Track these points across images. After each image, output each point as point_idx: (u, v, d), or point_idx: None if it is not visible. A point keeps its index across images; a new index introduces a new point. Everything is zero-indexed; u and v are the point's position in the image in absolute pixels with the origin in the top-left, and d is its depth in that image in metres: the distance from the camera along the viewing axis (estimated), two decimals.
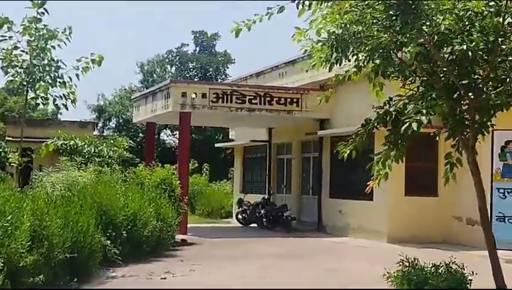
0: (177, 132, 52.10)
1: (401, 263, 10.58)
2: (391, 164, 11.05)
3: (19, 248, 11.36)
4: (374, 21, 9.70)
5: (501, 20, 8.98)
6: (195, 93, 25.02)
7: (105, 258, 15.50)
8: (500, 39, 8.88)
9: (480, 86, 9.36)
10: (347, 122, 25.15)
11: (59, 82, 16.32)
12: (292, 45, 10.51)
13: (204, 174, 42.12)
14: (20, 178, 20.15)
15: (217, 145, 39.54)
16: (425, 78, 9.81)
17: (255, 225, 29.21)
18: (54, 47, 16.40)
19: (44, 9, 16.09)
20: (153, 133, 32.24)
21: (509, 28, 9.02)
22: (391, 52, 10.11)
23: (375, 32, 9.63)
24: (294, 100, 26.32)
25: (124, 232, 16.78)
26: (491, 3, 8.68)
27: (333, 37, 10.14)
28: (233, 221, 32.39)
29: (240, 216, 30.44)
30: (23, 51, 16.32)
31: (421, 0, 8.76)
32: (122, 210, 17.05)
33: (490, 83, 9.45)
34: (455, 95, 9.44)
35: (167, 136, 53.86)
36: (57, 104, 16.32)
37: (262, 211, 28.57)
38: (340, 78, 10.84)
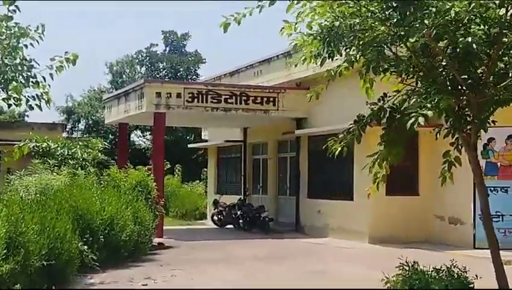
0: (148, 133, 52.04)
1: (400, 267, 10.07)
2: (387, 165, 10.57)
3: None
4: (369, 14, 9.23)
5: (504, 11, 8.54)
6: (170, 93, 24.44)
7: (83, 264, 14.93)
8: (505, 31, 8.45)
9: (483, 81, 8.92)
10: (324, 121, 24.80)
11: (32, 82, 15.64)
12: (283, 39, 9.99)
13: (176, 175, 41.54)
14: None
15: (190, 145, 38.99)
16: (422, 74, 9.33)
17: (231, 226, 28.75)
18: (26, 46, 15.72)
19: (16, 6, 15.42)
20: (126, 134, 31.63)
21: (509, 21, 8.57)
22: (386, 46, 9.65)
23: (372, 25, 9.15)
24: (271, 99, 25.83)
25: (101, 237, 16.23)
26: None
27: (325, 30, 9.66)
28: (208, 222, 31.93)
29: (215, 217, 29.95)
30: None
31: None
32: (99, 214, 16.48)
33: (491, 77, 9.01)
34: (455, 91, 8.98)
35: (138, 137, 53.18)
36: (30, 105, 15.66)
37: (238, 212, 28.15)
38: (333, 73, 10.29)
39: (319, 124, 25.18)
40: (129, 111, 26.51)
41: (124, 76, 55.32)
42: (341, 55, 10.00)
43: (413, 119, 8.25)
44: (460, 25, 8.59)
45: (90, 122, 52.09)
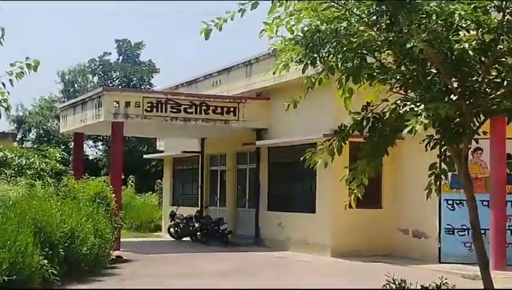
0: (100, 143, 51.16)
1: (387, 284, 9.64)
2: (365, 178, 10.14)
3: None
4: (356, 18, 8.81)
5: (501, 16, 8.20)
6: (128, 102, 23.84)
7: (43, 279, 14.26)
8: (502, 37, 8.11)
9: (477, 89, 8.55)
10: (285, 132, 24.46)
11: None
12: (260, 41, 9.55)
13: (130, 186, 40.82)
14: None
15: (146, 156, 38.37)
16: (412, 81, 8.93)
17: (188, 238, 28.24)
18: None
19: None
20: (82, 144, 30.89)
21: (507, 26, 8.22)
22: (369, 53, 9.24)
23: (358, 30, 8.71)
24: (231, 109, 25.40)
25: (62, 250, 15.57)
26: None
27: (309, 35, 9.21)
28: (164, 234, 31.46)
29: (172, 230, 29.44)
30: None
31: None
32: (59, 227, 15.82)
33: (484, 86, 8.65)
34: (447, 99, 8.59)
35: (89, 148, 52.24)
36: None
37: (196, 225, 27.72)
38: (313, 80, 9.80)
39: (280, 135, 24.81)
40: (86, 120, 25.83)
41: (76, 85, 54.40)
42: (323, 63, 9.55)
43: (409, 127, 7.84)
44: (453, 30, 8.22)
45: (41, 131, 51.10)
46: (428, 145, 9.18)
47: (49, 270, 14.54)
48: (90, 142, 51.43)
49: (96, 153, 51.77)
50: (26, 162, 21.17)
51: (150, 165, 44.97)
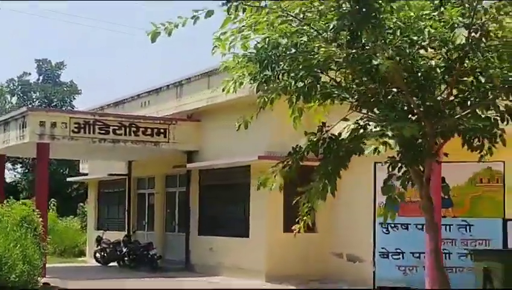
0: (19, 166, 49.69)
1: None
2: (318, 201, 9.80)
3: None
4: (315, 34, 8.44)
5: (466, 34, 7.91)
6: (55, 122, 23.01)
7: None
8: (469, 55, 7.84)
9: (441, 109, 8.26)
10: (217, 154, 23.98)
11: None
12: (213, 57, 9.06)
13: (52, 210, 39.58)
14: None
15: (69, 179, 37.23)
16: (374, 100, 8.59)
17: (114, 263, 27.39)
18: None
19: None
20: (3, 166, 29.78)
21: (474, 44, 7.96)
22: (325, 71, 8.89)
23: (318, 46, 8.33)
24: (162, 131, 24.78)
25: None
26: (465, 14, 7.64)
27: (263, 51, 8.80)
28: (89, 260, 30.56)
29: (98, 255, 28.59)
30: None
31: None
32: None
33: (448, 106, 8.37)
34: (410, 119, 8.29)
35: (8, 170, 50.63)
36: None
37: (124, 249, 26.92)
38: (266, 99, 9.39)
39: (212, 157, 24.29)
40: (9, 141, 24.84)
41: None
42: (278, 80, 9.15)
43: (372, 147, 7.49)
44: (419, 47, 7.93)
45: None
46: (390, 167, 8.85)
47: None
48: (9, 165, 49.90)
49: (15, 175, 50.20)
50: None
51: (72, 188, 43.81)
